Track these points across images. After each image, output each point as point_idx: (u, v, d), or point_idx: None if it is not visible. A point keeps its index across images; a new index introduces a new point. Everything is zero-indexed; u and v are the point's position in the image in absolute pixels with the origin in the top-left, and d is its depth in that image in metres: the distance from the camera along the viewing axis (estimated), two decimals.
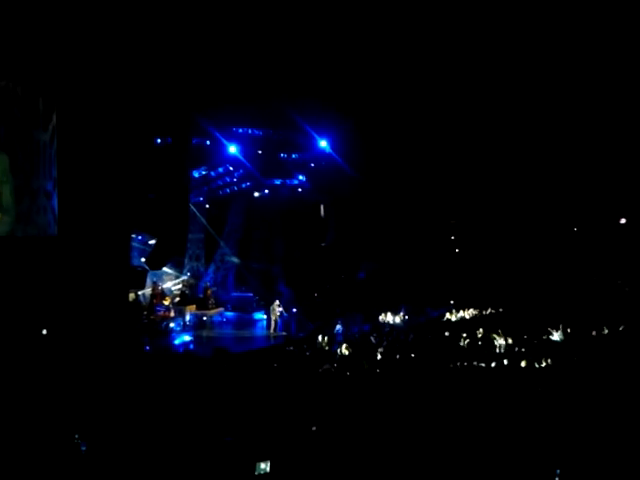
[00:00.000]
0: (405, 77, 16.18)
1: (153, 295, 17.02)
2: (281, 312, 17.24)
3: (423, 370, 11.49)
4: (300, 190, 21.69)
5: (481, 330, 15.20)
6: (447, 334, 15.28)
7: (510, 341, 14.39)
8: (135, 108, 14.07)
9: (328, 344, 14.39)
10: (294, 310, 18.15)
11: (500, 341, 14.36)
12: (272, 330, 16.95)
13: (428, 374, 11.03)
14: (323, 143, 18.59)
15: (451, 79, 16.25)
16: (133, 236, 16.55)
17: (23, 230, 11.78)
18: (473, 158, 19.44)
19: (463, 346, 14.31)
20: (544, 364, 12.27)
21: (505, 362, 12.49)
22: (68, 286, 12.24)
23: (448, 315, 18.40)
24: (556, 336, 15.09)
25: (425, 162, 19.66)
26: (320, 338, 14.55)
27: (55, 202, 12.81)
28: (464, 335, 14.81)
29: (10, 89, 11.28)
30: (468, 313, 18.73)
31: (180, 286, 19.32)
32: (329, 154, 19.12)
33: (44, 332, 11.69)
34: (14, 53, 10.78)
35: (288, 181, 21.43)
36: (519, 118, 17.66)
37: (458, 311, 18.62)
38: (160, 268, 17.94)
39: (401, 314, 18.39)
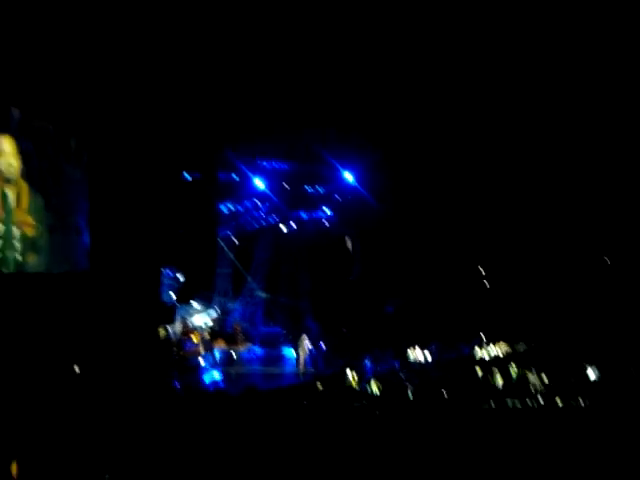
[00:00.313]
0: (433, 109, 16.18)
1: (183, 331, 17.03)
2: (310, 348, 17.08)
3: (455, 409, 11.22)
4: (326, 223, 21.74)
5: (514, 367, 14.83)
6: (480, 371, 14.93)
7: (545, 378, 14.00)
8: (164, 145, 14.33)
9: (357, 381, 14.17)
10: (322, 345, 17.97)
11: (533, 379, 13.98)
12: (301, 366, 16.76)
13: (460, 413, 10.77)
14: (348, 175, 18.67)
15: (484, 110, 16.19)
16: (162, 271, 16.67)
17: (57, 266, 11.94)
18: (502, 188, 19.27)
19: (495, 384, 13.97)
20: (581, 403, 11.89)
21: (540, 401, 12.14)
22: (100, 321, 12.32)
23: (478, 350, 18.02)
24: (592, 373, 14.65)
25: (453, 194, 19.55)
26: (349, 375, 14.33)
27: (87, 238, 12.99)
28: (497, 372, 14.46)
29: (44, 129, 11.58)
30: (500, 348, 18.34)
31: (209, 321, 19.32)
32: (355, 186, 19.18)
33: (76, 367, 11.71)
34: (48, 95, 11.08)
35: (314, 214, 21.51)
36: (559, 160, 17.46)
37: (489, 345, 18.23)
38: (188, 302, 18.00)
39: (431, 349, 18.08)
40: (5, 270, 10.33)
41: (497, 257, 21.22)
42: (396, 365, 16.37)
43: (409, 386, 13.50)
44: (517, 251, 20.70)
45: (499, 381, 14.20)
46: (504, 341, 18.74)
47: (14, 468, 6.81)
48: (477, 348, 18.26)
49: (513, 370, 14.75)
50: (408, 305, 20.20)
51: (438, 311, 19.80)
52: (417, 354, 17.66)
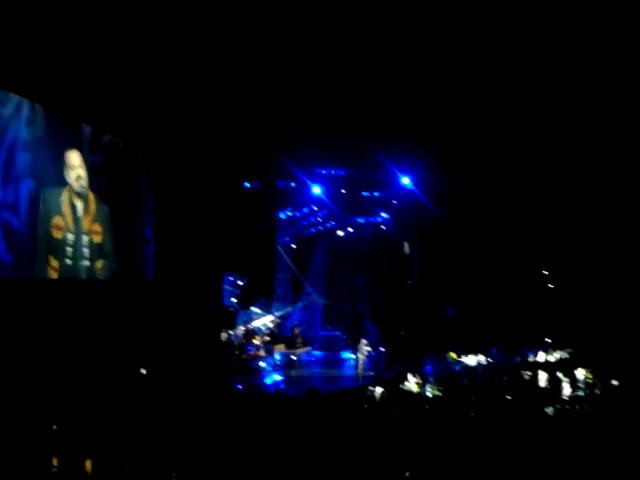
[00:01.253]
0: (492, 110, 15.93)
1: (244, 335, 17.41)
2: (369, 351, 17.11)
3: (519, 414, 10.98)
4: (384, 228, 21.72)
5: (582, 372, 14.34)
6: (544, 376, 14.53)
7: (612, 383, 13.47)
8: (224, 155, 14.76)
9: (418, 385, 14.08)
10: (382, 349, 17.95)
11: (599, 385, 13.47)
12: (360, 370, 16.82)
13: (525, 419, 10.53)
14: (405, 180, 18.61)
15: (546, 110, 15.80)
16: (224, 277, 17.10)
17: (124, 274, 12.50)
18: (565, 188, 18.71)
19: (560, 389, 13.55)
20: None
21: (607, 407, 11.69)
22: (164, 326, 12.79)
23: (544, 355, 17.53)
24: None
25: (514, 195, 19.14)
26: (409, 378, 14.26)
27: (151, 246, 13.54)
28: (562, 377, 14.03)
29: (113, 143, 12.18)
30: (565, 353, 17.77)
31: (269, 325, 19.67)
32: (412, 190, 19.09)
33: (143, 371, 12.17)
34: (117, 110, 11.66)
35: (371, 219, 21.56)
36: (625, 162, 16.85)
37: (555, 350, 17.71)
38: (249, 308, 18.38)
39: (492, 353, 17.73)
40: (77, 277, 10.89)
41: (560, 259, 20.60)
42: (457, 369, 16.16)
43: (471, 390, 13.32)
44: (581, 254, 20.03)
45: (566, 387, 13.79)
46: (570, 346, 18.17)
47: (88, 466, 7.22)
48: (541, 352, 17.78)
49: (583, 375, 14.27)
50: (469, 308, 19.90)
51: (500, 314, 19.41)
52: (479, 357, 17.37)
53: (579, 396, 12.63)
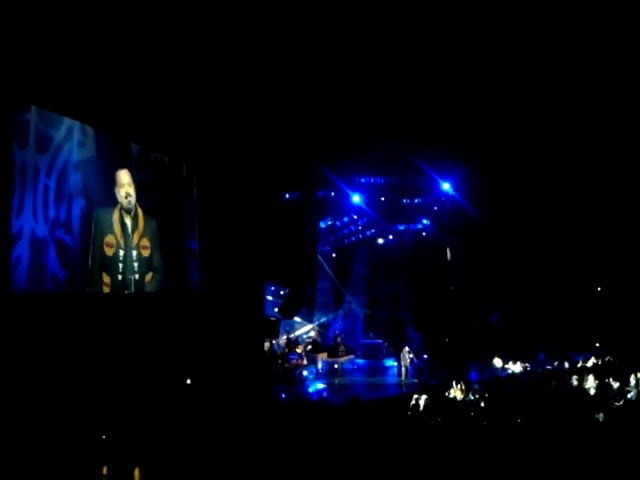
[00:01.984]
0: (535, 113, 15.74)
1: (287, 344, 17.60)
2: (412, 358, 17.05)
3: (568, 420, 10.76)
4: (424, 234, 21.62)
5: (636, 377, 13.93)
6: (594, 382, 14.18)
7: None
8: (265, 167, 15.03)
9: (463, 392, 13.95)
10: (425, 356, 17.85)
11: None
12: (403, 377, 16.77)
13: (572, 425, 10.33)
14: (446, 186, 18.51)
15: (588, 115, 15.54)
16: (266, 287, 17.34)
17: (171, 286, 12.85)
18: (610, 191, 18.31)
19: (610, 395, 13.18)
20: None
21: None
22: (209, 336, 13.06)
23: (594, 360, 17.09)
24: None
25: (555, 197, 18.81)
26: (454, 386, 14.15)
27: (197, 258, 13.87)
28: (612, 383, 13.66)
29: (159, 160, 12.59)
30: (615, 358, 17.26)
31: (311, 334, 19.81)
32: (452, 196, 18.98)
33: (188, 381, 12.45)
34: (162, 129, 12.07)
35: (412, 226, 21.49)
36: None
37: (605, 356, 17.24)
38: (292, 317, 18.57)
39: (539, 359, 17.39)
40: (127, 291, 11.26)
41: (607, 263, 20.10)
42: (502, 375, 15.93)
43: (517, 396, 13.11)
44: (627, 257, 19.52)
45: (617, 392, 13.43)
46: (619, 350, 17.66)
47: (136, 474, 7.46)
48: (592, 358, 17.33)
49: (634, 380, 13.87)
50: (513, 314, 19.60)
51: (546, 319, 19.06)
52: (525, 364, 17.08)
53: (630, 401, 12.29)
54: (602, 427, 10.44)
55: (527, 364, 17.01)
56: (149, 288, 11.97)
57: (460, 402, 13.29)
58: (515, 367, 16.92)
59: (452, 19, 12.48)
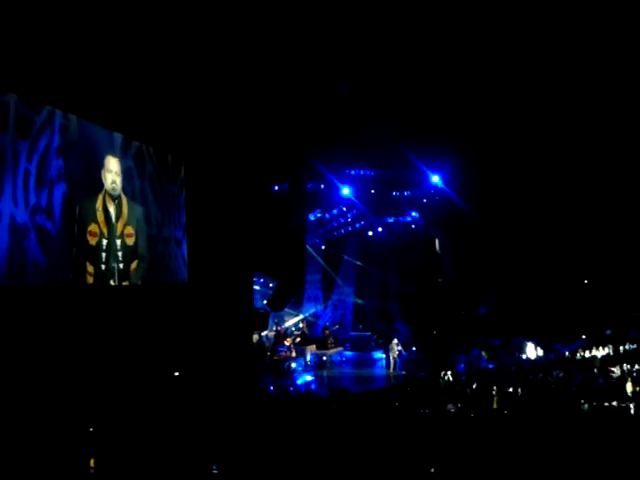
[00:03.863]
0: (523, 105, 15.71)
1: (276, 336, 17.53)
2: (400, 351, 17.04)
3: (556, 412, 10.77)
4: (414, 226, 21.62)
5: (617, 369, 13.96)
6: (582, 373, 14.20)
7: None
8: (253, 158, 14.91)
9: (451, 384, 13.95)
10: (413, 348, 17.86)
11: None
12: (392, 369, 16.76)
13: (562, 415, 10.33)
14: (435, 178, 18.49)
15: (576, 104, 15.52)
16: (255, 279, 17.25)
17: (157, 275, 12.73)
18: (600, 181, 18.33)
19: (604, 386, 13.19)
20: None
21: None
22: (197, 328, 12.96)
23: (581, 353, 17.15)
24: None
25: (545, 189, 18.83)
26: (442, 377, 14.16)
27: (184, 249, 13.76)
28: (599, 373, 13.68)
29: (144, 149, 12.45)
30: (604, 350, 17.32)
31: (300, 326, 19.76)
32: (442, 189, 18.97)
33: (176, 374, 12.36)
34: (147, 116, 11.90)
35: (401, 218, 21.49)
36: None
37: (591, 349, 17.30)
38: (281, 310, 18.50)
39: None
40: (112, 282, 11.13)
41: (590, 252, 20.15)
42: (490, 367, 15.97)
43: (506, 388, 13.12)
44: (612, 247, 19.58)
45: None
46: (609, 343, 17.73)
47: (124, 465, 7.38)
48: (579, 350, 17.38)
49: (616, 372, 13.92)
50: (502, 305, 19.64)
51: (534, 311, 19.11)
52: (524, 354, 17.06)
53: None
54: (587, 418, 10.46)
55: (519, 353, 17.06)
56: (134, 277, 11.84)
57: (448, 393, 13.30)
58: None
59: (442, 8, 12.42)
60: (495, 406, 11.32)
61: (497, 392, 12.41)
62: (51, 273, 9.61)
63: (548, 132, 16.74)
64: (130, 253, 11.69)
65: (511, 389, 12.85)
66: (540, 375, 14.34)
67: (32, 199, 9.19)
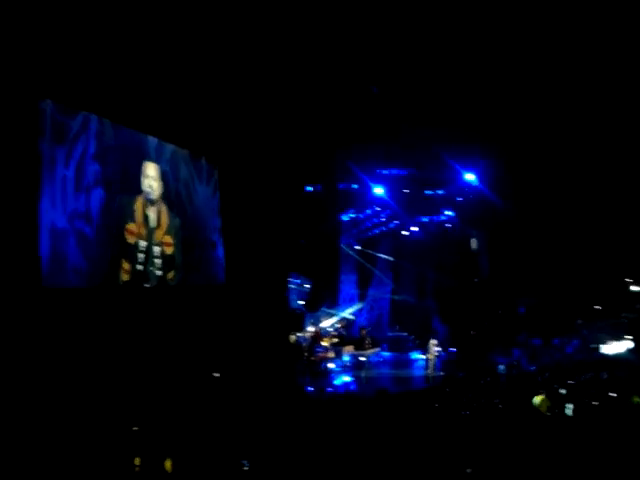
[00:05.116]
0: (558, 102, 15.36)
1: (313, 337, 17.50)
2: (438, 351, 16.80)
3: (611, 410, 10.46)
4: (449, 225, 21.37)
5: None
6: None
7: None
8: (286, 160, 14.94)
9: (491, 384, 13.71)
10: (451, 349, 17.60)
11: None
12: (430, 370, 16.53)
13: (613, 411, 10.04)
14: (469, 176, 18.22)
15: (616, 105, 15.10)
16: (290, 280, 17.27)
17: (194, 279, 12.83)
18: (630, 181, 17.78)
19: None
20: None
21: None
22: (235, 329, 13.03)
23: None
24: None
25: (578, 186, 18.36)
26: (482, 378, 13.92)
27: (220, 252, 13.85)
28: None
29: (178, 153, 12.58)
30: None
31: (337, 326, 19.70)
32: (476, 187, 18.69)
33: (216, 375, 12.42)
34: (181, 120, 12.02)
35: (435, 217, 21.26)
36: None
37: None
38: (317, 310, 18.47)
39: (568, 352, 17.01)
40: (148, 285, 11.24)
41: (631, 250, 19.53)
42: (532, 369, 15.62)
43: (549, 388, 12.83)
44: None
45: None
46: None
47: (168, 464, 7.43)
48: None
49: None
50: (542, 305, 19.19)
51: (576, 309, 18.64)
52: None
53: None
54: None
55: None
56: (170, 283, 11.95)
57: (488, 394, 13.07)
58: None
59: (477, 9, 12.25)
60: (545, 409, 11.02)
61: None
62: (91, 276, 9.76)
63: (589, 127, 16.31)
64: (168, 262, 11.81)
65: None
66: (590, 374, 13.97)
67: (71, 204, 9.34)
